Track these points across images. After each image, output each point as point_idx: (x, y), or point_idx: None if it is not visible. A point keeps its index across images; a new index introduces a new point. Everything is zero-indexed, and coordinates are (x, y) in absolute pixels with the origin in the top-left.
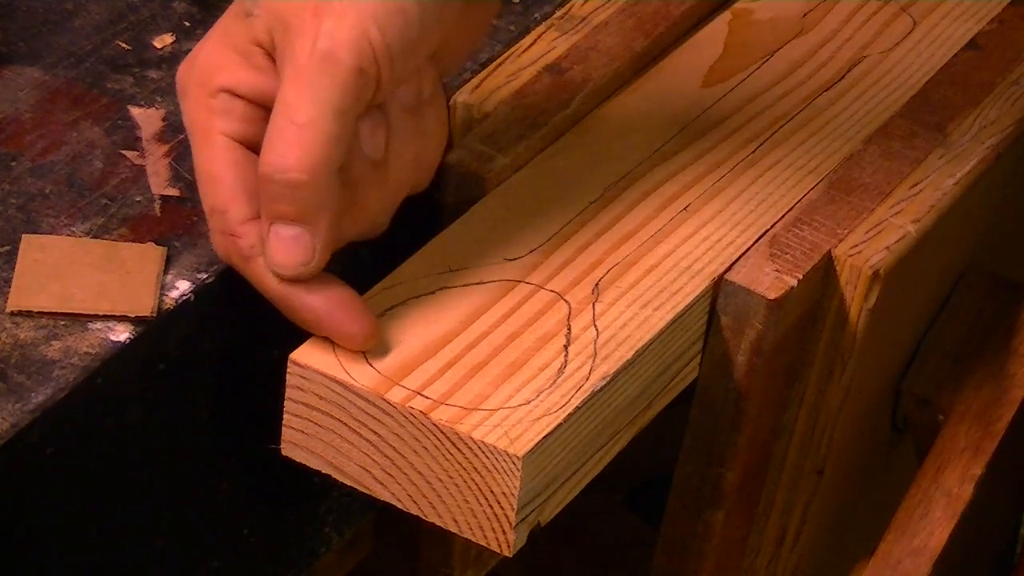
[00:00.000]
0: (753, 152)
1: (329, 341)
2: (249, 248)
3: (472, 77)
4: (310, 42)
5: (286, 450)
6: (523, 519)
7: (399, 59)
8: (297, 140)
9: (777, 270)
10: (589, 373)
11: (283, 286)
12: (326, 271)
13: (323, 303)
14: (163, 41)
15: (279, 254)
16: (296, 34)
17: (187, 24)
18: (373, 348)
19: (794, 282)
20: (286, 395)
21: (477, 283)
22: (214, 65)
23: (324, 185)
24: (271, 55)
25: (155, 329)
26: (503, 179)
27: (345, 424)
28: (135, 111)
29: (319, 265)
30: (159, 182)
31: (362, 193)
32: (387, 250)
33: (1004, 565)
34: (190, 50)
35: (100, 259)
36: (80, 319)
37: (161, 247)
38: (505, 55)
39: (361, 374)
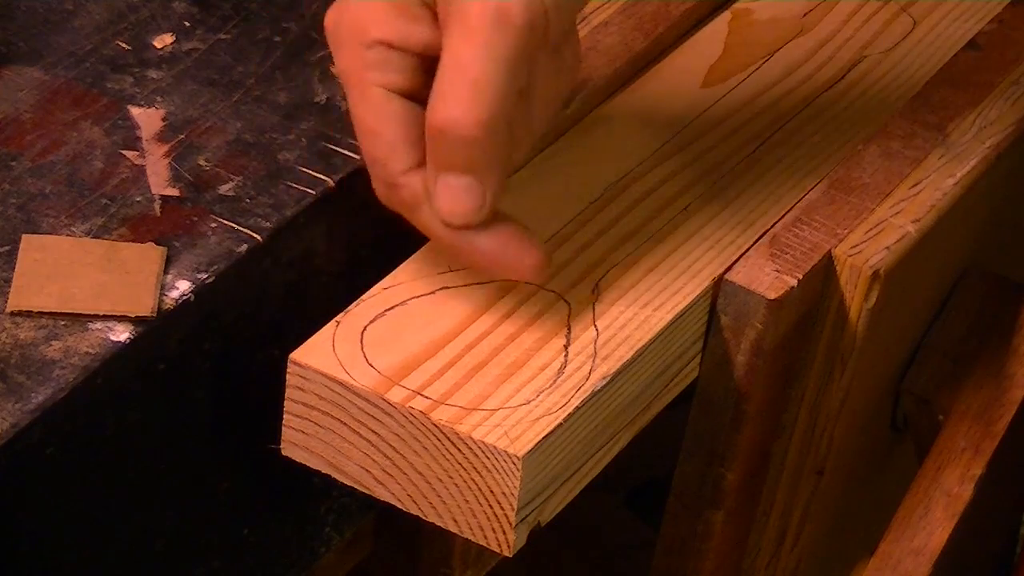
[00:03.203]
0: (753, 152)
1: (329, 340)
2: (412, 198)
3: None
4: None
5: (286, 450)
6: (523, 519)
7: (565, 12)
8: (472, 96)
9: (777, 270)
10: (589, 373)
11: (452, 232)
12: None
13: (494, 243)
14: (163, 41)
15: (450, 203)
16: None
17: (187, 24)
18: (372, 348)
19: (794, 282)
20: (286, 395)
21: (477, 283)
22: (367, 16)
23: (498, 138)
24: (427, 5)
25: (155, 329)
26: None
27: (345, 424)
28: (135, 111)
29: (490, 212)
30: (159, 182)
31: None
32: (387, 250)
33: (1004, 565)
34: (190, 50)
35: (100, 259)
36: (80, 319)
37: (161, 247)
38: None
39: (361, 374)
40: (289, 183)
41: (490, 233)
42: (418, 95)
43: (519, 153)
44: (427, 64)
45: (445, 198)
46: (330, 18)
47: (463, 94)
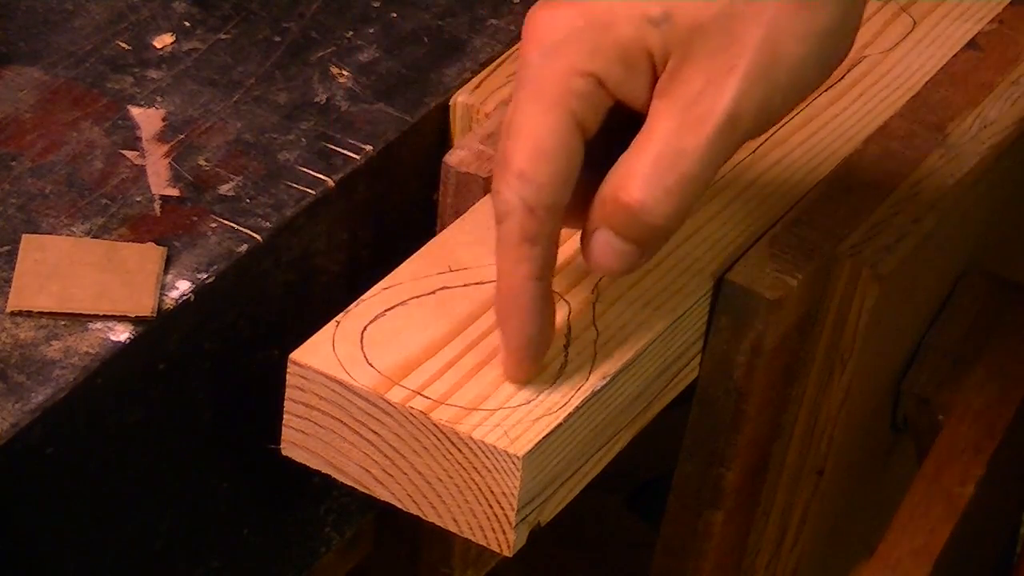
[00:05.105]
0: (753, 152)
1: (329, 340)
2: (540, 234)
3: (472, 77)
4: (722, 98)
5: (286, 450)
6: (523, 519)
7: (777, 120)
8: (678, 191)
9: (777, 270)
10: (589, 373)
11: (510, 294)
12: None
13: (522, 332)
14: (163, 41)
15: (607, 260)
16: (705, 78)
17: (187, 24)
18: (372, 348)
19: (794, 282)
20: (286, 395)
21: (477, 283)
22: (592, 44)
23: (677, 228)
24: (652, 64)
25: (155, 329)
26: None
27: (345, 424)
28: (135, 111)
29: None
30: (159, 182)
31: None
32: (387, 250)
33: (1004, 565)
34: (190, 50)
35: (100, 259)
36: (80, 319)
37: (161, 247)
38: (505, 55)
39: (361, 374)
40: (289, 183)
41: (532, 328)
42: (588, 140)
43: None
44: (610, 114)
45: (604, 254)
46: (545, 22)
47: (669, 185)
